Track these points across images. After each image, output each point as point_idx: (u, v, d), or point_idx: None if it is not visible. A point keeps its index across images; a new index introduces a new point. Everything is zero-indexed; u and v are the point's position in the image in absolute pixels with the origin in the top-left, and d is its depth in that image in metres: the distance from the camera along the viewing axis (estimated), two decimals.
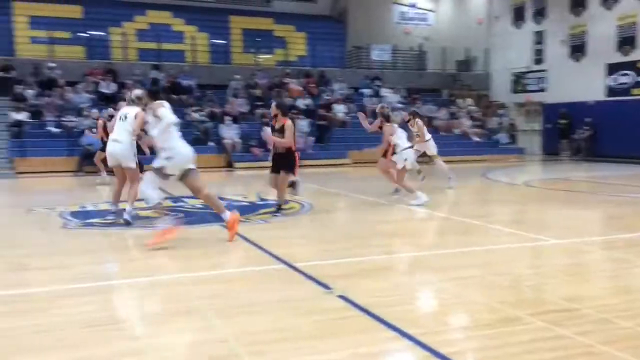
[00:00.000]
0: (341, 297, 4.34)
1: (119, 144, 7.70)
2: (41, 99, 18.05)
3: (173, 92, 19.26)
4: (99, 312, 4.13)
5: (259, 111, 19.63)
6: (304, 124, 18.88)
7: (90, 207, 9.35)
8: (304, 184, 9.66)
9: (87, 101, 18.25)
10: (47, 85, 18.68)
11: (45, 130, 17.15)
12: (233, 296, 4.51)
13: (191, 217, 8.17)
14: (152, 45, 22.05)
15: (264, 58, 24.23)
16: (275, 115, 8.63)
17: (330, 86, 22.59)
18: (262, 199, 10.16)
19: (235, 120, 19.20)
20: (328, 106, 20.98)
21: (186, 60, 22.38)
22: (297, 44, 24.72)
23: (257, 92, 20.90)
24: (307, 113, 20.13)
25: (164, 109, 6.31)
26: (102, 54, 21.47)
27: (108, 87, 19.13)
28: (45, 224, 7.98)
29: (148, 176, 6.41)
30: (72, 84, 18.83)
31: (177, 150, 6.32)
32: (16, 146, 16.33)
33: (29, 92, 18.13)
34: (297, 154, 8.74)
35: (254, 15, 24.55)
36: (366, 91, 22.96)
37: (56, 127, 17.25)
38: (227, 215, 6.53)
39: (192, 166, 6.44)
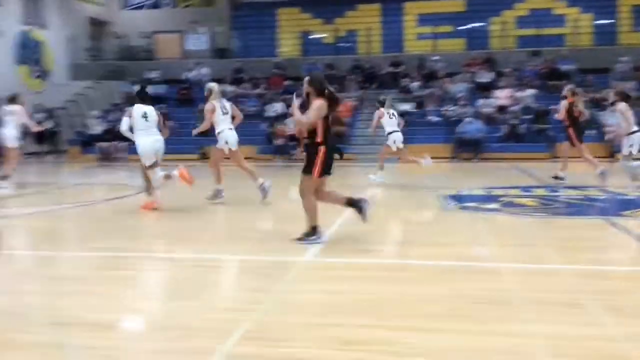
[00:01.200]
0: None
1: None
2: (424, 91, 19.55)
3: (550, 79, 18.54)
4: (483, 290, 4.28)
5: None
6: None
7: (465, 192, 9.76)
8: None
9: (464, 91, 18.99)
10: (429, 77, 20.12)
11: (426, 120, 18.52)
12: (621, 294, 4.14)
13: (572, 208, 7.79)
14: (531, 31, 21.62)
15: None
16: None
17: None
18: None
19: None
20: None
21: (566, 44, 21.24)
22: None
23: None
24: None
25: None
26: (481, 44, 22.02)
27: (485, 77, 19.54)
28: (426, 205, 8.68)
29: None
30: (451, 75, 19.84)
31: None
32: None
33: (414, 85, 19.82)
34: None
35: None
36: None
37: (436, 116, 18.46)
38: None
39: None
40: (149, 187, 8.51)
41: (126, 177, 14.28)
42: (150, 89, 20.53)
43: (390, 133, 11.14)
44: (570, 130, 10.31)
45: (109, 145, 17.90)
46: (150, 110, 8.30)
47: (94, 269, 5.28)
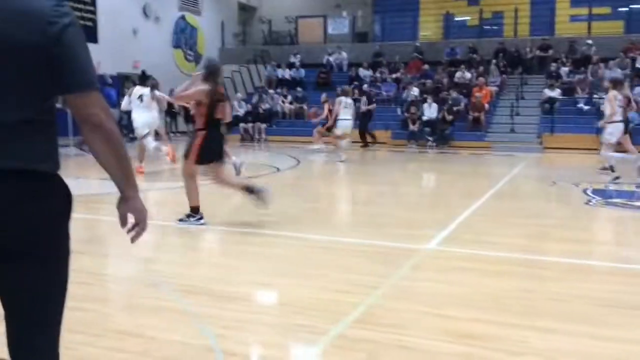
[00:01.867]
0: None
1: None
2: (574, 76, 18.19)
3: None
4: (616, 293, 3.93)
5: None
6: None
7: (612, 187, 9.00)
8: None
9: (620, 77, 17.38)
10: (581, 62, 18.68)
11: (576, 107, 17.25)
12: None
13: None
14: None
15: None
16: None
17: None
18: None
19: None
20: None
21: None
22: None
23: None
24: None
25: None
26: None
27: None
28: (568, 198, 8.11)
29: None
30: (606, 60, 18.25)
31: None
32: (546, 122, 17.00)
33: (563, 70, 18.51)
34: None
35: None
36: None
37: (586, 104, 17.12)
38: None
39: None
40: (141, 155, 10.21)
41: (265, 156, 14.90)
42: (290, 73, 21.28)
43: (340, 120, 12.83)
44: None
45: (250, 127, 18.78)
46: (146, 92, 10.14)
47: (223, 242, 5.58)
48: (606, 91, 10.77)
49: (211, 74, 5.94)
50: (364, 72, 20.31)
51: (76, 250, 5.26)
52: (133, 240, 1.92)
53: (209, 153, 5.90)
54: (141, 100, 10.11)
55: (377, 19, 23.94)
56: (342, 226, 6.29)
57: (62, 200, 1.72)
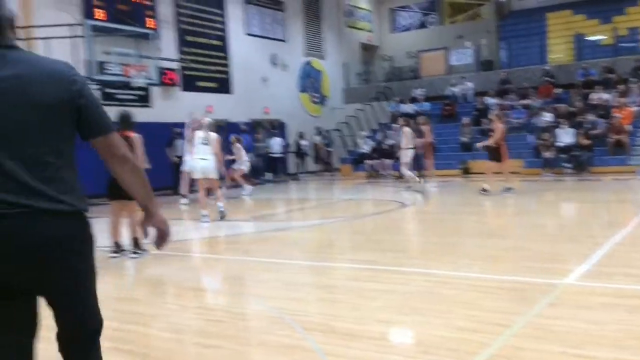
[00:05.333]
0: None
1: None
2: None
3: None
4: None
5: None
6: None
7: None
8: None
9: None
10: None
11: None
12: None
13: None
14: None
15: None
16: None
17: None
18: None
19: None
20: None
21: None
22: None
23: None
24: None
25: None
26: None
27: None
28: None
29: None
30: None
31: None
32: None
33: None
34: None
35: None
36: None
37: None
38: None
39: None
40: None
41: (391, 192, 14.89)
42: (413, 107, 21.25)
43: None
44: None
45: (376, 163, 18.89)
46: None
47: (347, 279, 5.61)
48: None
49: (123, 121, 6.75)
50: (490, 101, 19.76)
51: (209, 289, 5.57)
52: (160, 247, 2.30)
53: (115, 192, 6.51)
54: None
55: (503, 45, 23.30)
56: (470, 260, 6.07)
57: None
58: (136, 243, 6.86)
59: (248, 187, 14.10)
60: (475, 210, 10.55)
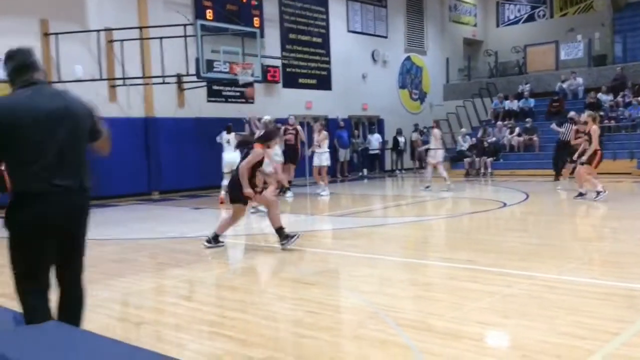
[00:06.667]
0: None
1: None
2: None
3: None
4: None
5: None
6: None
7: None
8: None
9: None
10: None
11: None
12: None
13: None
14: None
15: None
16: None
17: None
18: None
19: None
20: None
21: None
22: None
23: None
24: None
25: None
26: None
27: None
28: None
29: None
30: None
31: None
32: None
33: None
34: None
35: None
36: None
37: None
38: None
39: None
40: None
41: (489, 191, 14.45)
42: (518, 104, 20.46)
43: None
44: None
45: (475, 161, 18.38)
46: (231, 137, 12.33)
47: (445, 278, 5.53)
48: None
49: None
50: (603, 97, 18.63)
51: (306, 281, 5.70)
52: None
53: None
54: (228, 143, 12.21)
55: (618, 39, 21.85)
56: (575, 264, 5.78)
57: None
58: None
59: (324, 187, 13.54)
60: (576, 212, 10.04)
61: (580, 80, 20.23)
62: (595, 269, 5.53)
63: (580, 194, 10.84)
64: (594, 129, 10.67)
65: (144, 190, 14.56)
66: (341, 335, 3.99)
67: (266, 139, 7.22)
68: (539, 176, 16.08)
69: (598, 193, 10.48)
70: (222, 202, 11.25)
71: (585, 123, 11.30)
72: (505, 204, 10.84)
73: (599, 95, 18.68)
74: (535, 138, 18.48)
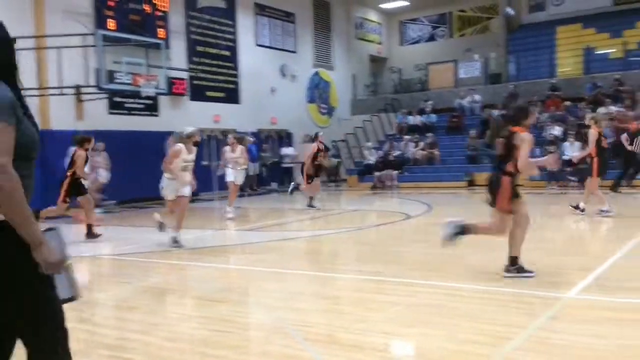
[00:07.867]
0: None
1: None
2: None
3: None
4: None
5: None
6: None
7: None
8: None
9: None
10: None
11: None
12: None
13: None
14: None
15: None
16: None
17: None
18: None
19: None
20: None
21: None
22: None
23: None
24: None
25: None
26: None
27: None
28: None
29: None
30: None
31: None
32: None
33: None
34: None
35: None
36: None
37: None
38: None
39: None
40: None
41: (396, 204, 14.87)
42: (421, 119, 21.27)
43: None
44: None
45: (382, 174, 18.89)
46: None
47: (351, 290, 5.61)
48: None
49: None
50: (497, 113, 19.74)
51: (212, 298, 5.56)
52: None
53: None
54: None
55: (512, 59, 23.32)
56: (474, 272, 6.05)
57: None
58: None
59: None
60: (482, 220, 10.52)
61: (477, 97, 21.36)
62: (495, 277, 5.81)
63: (580, 209, 10.16)
64: (592, 133, 9.91)
65: (38, 207, 13.72)
66: (248, 352, 3.94)
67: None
68: (441, 188, 16.78)
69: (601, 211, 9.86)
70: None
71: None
72: (408, 216, 11.19)
73: (493, 112, 19.79)
74: (436, 152, 19.27)
